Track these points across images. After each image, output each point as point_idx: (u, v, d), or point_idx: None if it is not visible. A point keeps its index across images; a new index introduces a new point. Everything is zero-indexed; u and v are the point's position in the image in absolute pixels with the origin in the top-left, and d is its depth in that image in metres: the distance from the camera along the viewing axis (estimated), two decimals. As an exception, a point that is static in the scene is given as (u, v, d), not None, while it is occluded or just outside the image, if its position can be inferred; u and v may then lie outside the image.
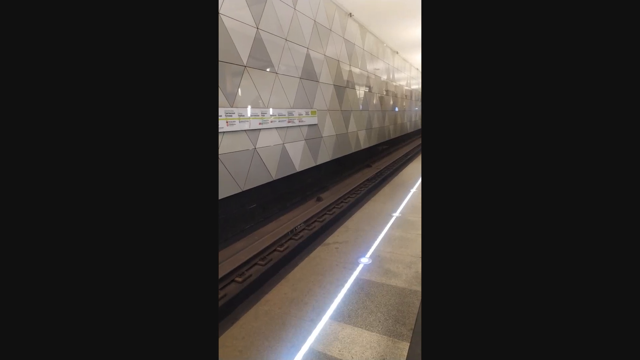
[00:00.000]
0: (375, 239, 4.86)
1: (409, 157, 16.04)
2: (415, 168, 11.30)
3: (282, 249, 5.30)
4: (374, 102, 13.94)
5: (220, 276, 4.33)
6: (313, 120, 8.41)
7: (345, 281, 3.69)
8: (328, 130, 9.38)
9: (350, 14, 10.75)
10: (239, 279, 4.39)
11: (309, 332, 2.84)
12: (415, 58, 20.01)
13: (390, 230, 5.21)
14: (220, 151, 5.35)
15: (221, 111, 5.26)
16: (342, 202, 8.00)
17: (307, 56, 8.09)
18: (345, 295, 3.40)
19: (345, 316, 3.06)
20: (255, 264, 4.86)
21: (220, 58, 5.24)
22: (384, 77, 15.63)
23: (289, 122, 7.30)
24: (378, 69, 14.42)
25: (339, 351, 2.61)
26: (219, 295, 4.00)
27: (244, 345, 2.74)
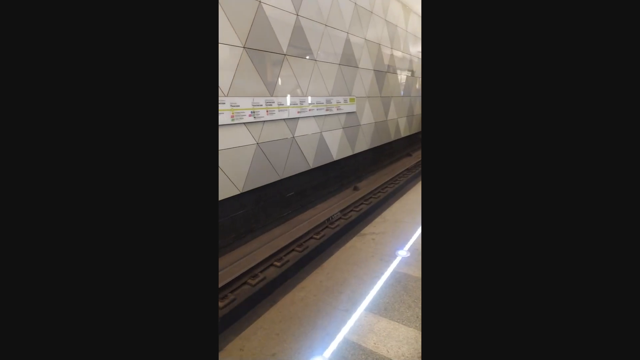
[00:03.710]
0: (415, 232, 4.70)
1: (453, 145, 15.09)
2: (459, 157, 10.61)
3: (318, 237, 5.36)
4: (417, 87, 13.23)
5: (260, 260, 4.53)
6: (351, 107, 8.24)
7: (382, 273, 3.64)
8: (367, 117, 9.14)
9: (394, -7, 10.16)
10: (278, 264, 4.55)
11: (344, 322, 2.87)
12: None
13: (431, 223, 4.99)
14: (260, 140, 5.49)
15: (261, 100, 5.37)
16: (379, 191, 7.83)
17: (347, 41, 7.86)
18: (382, 288, 3.36)
19: (381, 309, 3.03)
20: (293, 249, 4.99)
21: (261, 47, 5.30)
22: (428, 60, 14.68)
23: (327, 110, 7.23)
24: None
25: (374, 344, 2.60)
26: (260, 278, 4.19)
27: (280, 328, 2.85)
